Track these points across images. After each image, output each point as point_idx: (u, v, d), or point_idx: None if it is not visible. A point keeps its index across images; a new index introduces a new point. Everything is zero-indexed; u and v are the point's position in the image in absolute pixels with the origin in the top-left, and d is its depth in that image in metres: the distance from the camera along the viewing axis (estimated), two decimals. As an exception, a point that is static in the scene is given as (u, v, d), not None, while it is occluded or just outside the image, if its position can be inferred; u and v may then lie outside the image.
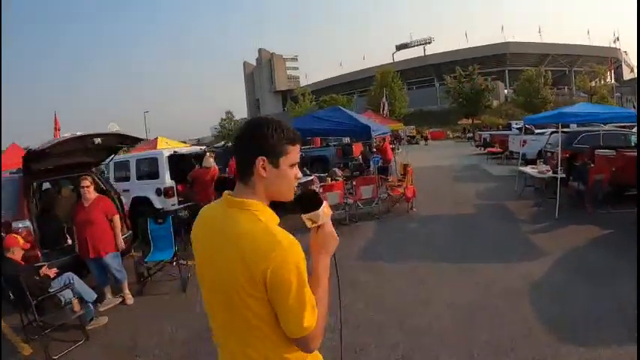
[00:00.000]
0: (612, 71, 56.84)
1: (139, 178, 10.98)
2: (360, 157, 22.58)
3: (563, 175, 10.29)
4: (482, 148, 29.02)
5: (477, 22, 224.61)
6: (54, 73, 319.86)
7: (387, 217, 10.96)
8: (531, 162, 15.29)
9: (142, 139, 9.51)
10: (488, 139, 27.89)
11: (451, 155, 29.59)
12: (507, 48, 78.96)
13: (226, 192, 1.62)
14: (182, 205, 10.39)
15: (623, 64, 74.25)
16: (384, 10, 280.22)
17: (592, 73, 58.26)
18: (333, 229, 1.67)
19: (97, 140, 6.92)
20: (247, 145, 1.57)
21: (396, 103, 54.11)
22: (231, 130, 68.06)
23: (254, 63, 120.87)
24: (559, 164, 10.17)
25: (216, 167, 9.89)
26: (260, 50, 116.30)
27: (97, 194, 6.57)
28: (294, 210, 1.59)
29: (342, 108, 12.75)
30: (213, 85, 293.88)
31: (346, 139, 22.52)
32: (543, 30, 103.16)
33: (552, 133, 16.13)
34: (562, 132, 15.14)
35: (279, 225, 1.55)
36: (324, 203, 1.63)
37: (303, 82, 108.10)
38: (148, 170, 10.98)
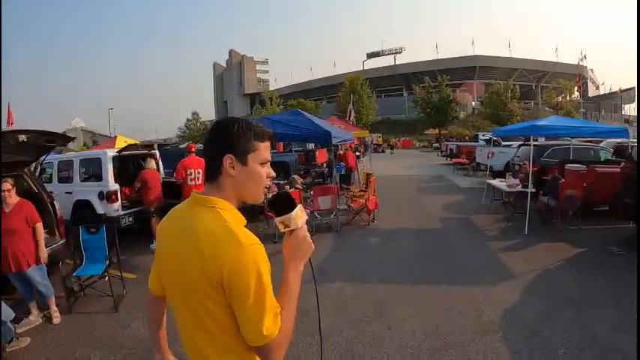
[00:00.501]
0: (580, 87, 57.78)
1: (83, 179, 10.06)
2: (324, 164, 21.89)
3: (534, 190, 9.70)
4: (449, 159, 28.65)
5: (448, 35, 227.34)
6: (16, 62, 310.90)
7: (347, 230, 10.13)
8: (499, 174, 14.92)
9: (72, 138, 8.52)
10: (454, 150, 27.45)
11: (417, 165, 29.14)
12: (477, 61, 79.78)
13: (194, 191, 1.56)
14: (127, 211, 9.60)
15: (588, 81, 75.96)
16: (356, 17, 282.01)
17: (559, 88, 59.16)
18: (308, 234, 1.59)
19: (22, 138, 6.07)
20: (215, 143, 1.53)
21: (363, 110, 53.86)
22: (197, 132, 66.52)
23: (224, 64, 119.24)
24: (530, 178, 9.56)
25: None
26: (231, 51, 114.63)
27: (18, 198, 5.62)
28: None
29: (302, 112, 11.91)
30: (182, 86, 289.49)
31: (310, 145, 21.79)
32: (513, 45, 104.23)
33: (521, 145, 15.71)
34: (529, 145, 14.82)
35: (246, 227, 1.48)
36: (298, 206, 1.56)
37: (272, 86, 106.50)
38: (91, 171, 10.13)
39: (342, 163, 17.89)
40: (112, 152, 9.82)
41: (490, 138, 21.13)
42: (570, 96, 59.11)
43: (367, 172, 13.13)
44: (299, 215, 1.55)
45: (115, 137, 28.97)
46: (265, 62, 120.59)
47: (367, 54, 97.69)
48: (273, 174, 1.63)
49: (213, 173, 1.52)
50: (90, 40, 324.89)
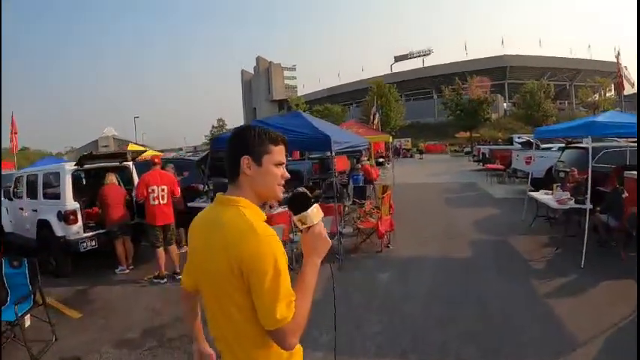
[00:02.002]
0: (621, 84, 54.11)
1: (45, 196, 8.67)
2: (344, 172, 19.80)
3: (591, 206, 7.47)
4: (481, 164, 26.32)
5: (476, 34, 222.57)
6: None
7: (351, 260, 8.00)
8: (538, 183, 12.69)
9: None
10: (487, 154, 24.96)
11: (446, 171, 26.76)
12: (507, 61, 76.55)
13: (219, 193, 1.68)
14: (90, 234, 8.09)
15: (624, 79, 71.89)
16: (383, 20, 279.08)
17: (595, 86, 55.60)
18: (324, 231, 1.66)
19: None
20: (234, 147, 1.66)
21: (391, 114, 51.77)
22: (223, 139, 65.05)
23: (252, 71, 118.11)
24: (588, 191, 7.33)
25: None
26: (258, 58, 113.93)
27: None
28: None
29: (303, 114, 9.93)
30: (211, 93, 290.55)
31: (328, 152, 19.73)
32: (544, 43, 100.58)
33: (565, 148, 13.41)
34: (579, 148, 12.51)
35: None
36: (315, 205, 1.63)
37: (300, 92, 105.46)
38: (52, 188, 8.82)
39: (360, 174, 15.82)
40: (71, 166, 8.35)
41: (527, 140, 18.75)
42: (606, 94, 55.48)
43: (383, 184, 10.95)
44: (315, 213, 1.61)
45: (126, 146, 27.68)
46: (293, 69, 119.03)
47: (395, 57, 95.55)
48: (288, 175, 1.72)
49: (232, 174, 1.65)
50: (112, 48, 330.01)
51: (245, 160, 1.60)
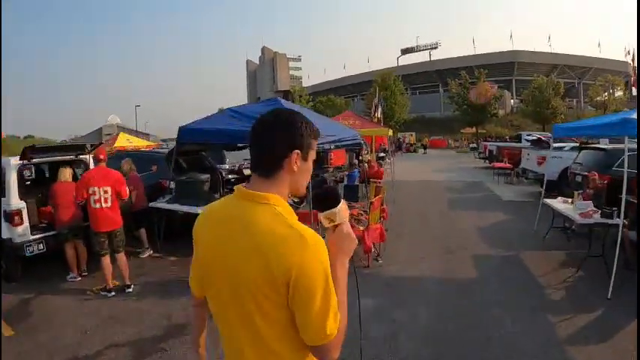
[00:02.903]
0: (634, 82, 52.28)
1: None
2: (343, 167, 18.47)
3: (624, 221, 6.12)
4: (487, 161, 24.99)
5: (485, 28, 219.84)
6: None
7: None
8: (551, 186, 11.51)
9: None
10: (494, 152, 23.53)
11: (451, 168, 25.43)
12: (516, 56, 74.67)
13: (239, 185, 1.49)
14: (38, 235, 7.08)
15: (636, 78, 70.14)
16: (391, 12, 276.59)
17: (606, 84, 53.77)
18: (351, 229, 1.53)
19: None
20: (281, 136, 1.43)
21: (396, 107, 50.31)
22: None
23: (257, 61, 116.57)
24: (621, 208, 5.98)
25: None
26: (263, 48, 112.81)
27: None
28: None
29: (283, 101, 8.60)
30: (216, 83, 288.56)
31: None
32: (553, 39, 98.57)
33: (582, 148, 12.06)
34: (598, 149, 11.21)
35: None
36: (342, 201, 1.52)
37: (305, 83, 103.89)
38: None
39: (356, 170, 14.50)
40: (16, 160, 7.19)
41: (538, 138, 17.34)
42: (616, 93, 53.65)
43: (376, 184, 9.59)
44: (343, 210, 1.51)
45: (117, 135, 26.27)
46: (298, 59, 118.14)
47: (402, 50, 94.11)
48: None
49: (271, 166, 1.43)
50: (114, 38, 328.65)
51: (295, 155, 1.41)
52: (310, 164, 1.51)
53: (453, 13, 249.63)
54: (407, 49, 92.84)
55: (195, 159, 11.21)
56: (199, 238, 1.57)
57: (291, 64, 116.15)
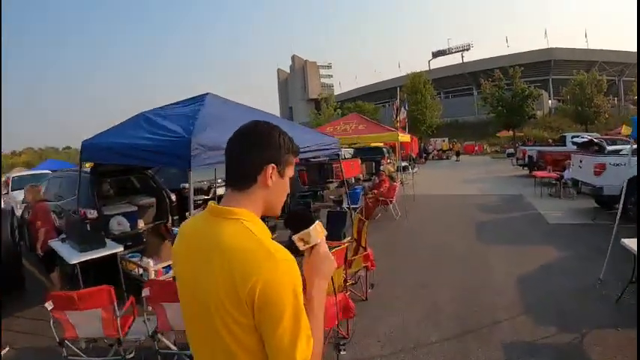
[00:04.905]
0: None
1: None
2: (361, 178, 15.46)
3: None
4: (525, 168, 21.60)
5: (518, 26, 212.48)
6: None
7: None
8: (608, 201, 9.75)
9: None
10: (535, 158, 19.96)
11: (484, 177, 21.96)
12: (553, 54, 69.67)
13: (211, 202, 1.43)
14: None
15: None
16: (421, 15, 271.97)
17: (653, 80, 48.93)
18: (328, 250, 1.42)
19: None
20: (256, 149, 1.36)
21: (427, 111, 46.90)
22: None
23: (288, 70, 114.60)
24: None
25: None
26: (293, 57, 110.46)
27: None
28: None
29: (210, 95, 5.69)
30: (247, 92, 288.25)
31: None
32: (590, 34, 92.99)
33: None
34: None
35: (274, 239, 1.30)
36: (317, 221, 1.40)
37: (337, 91, 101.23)
38: None
39: (358, 187, 11.49)
40: None
41: (590, 140, 13.84)
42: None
43: (360, 216, 6.52)
44: (318, 230, 1.39)
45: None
46: (329, 67, 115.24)
47: (433, 52, 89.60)
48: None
49: (244, 180, 1.37)
50: (150, 47, 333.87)
51: (271, 169, 1.35)
52: (287, 182, 1.45)
53: (485, 13, 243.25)
54: (438, 51, 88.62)
55: (140, 179, 9.00)
56: (174, 257, 1.48)
57: (322, 71, 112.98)
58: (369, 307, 5.49)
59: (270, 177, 1.35)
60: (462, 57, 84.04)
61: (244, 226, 1.27)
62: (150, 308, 4.17)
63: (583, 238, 8.45)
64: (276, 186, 1.38)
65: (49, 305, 3.90)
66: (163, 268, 6.26)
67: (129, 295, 4.59)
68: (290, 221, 1.41)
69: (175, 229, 7.39)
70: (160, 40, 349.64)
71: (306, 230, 1.35)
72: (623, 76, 67.54)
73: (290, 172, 1.43)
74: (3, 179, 15.25)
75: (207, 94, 5.74)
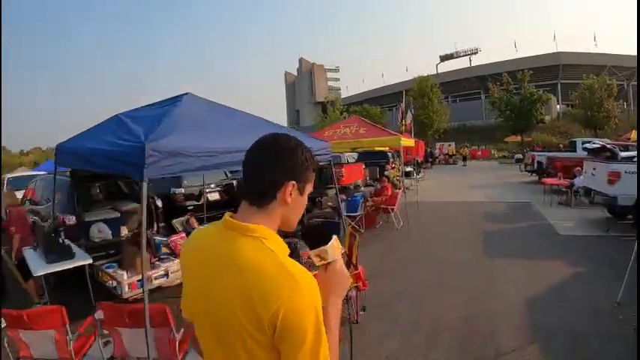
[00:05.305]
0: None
1: None
2: (361, 184, 14.83)
3: None
4: (534, 174, 20.95)
5: (526, 30, 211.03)
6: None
7: None
8: (622, 212, 9.33)
9: None
10: (545, 164, 19.24)
11: (492, 183, 21.31)
12: (561, 58, 68.74)
13: (227, 213, 1.36)
14: None
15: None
16: (428, 19, 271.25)
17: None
18: (344, 267, 1.40)
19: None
20: (277, 164, 1.30)
21: (434, 116, 46.26)
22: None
23: (295, 73, 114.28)
24: None
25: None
26: (301, 60, 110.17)
27: None
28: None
29: (187, 95, 5.16)
30: (253, 95, 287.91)
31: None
32: (598, 37, 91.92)
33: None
34: None
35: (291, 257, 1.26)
36: (334, 237, 1.37)
37: (344, 94, 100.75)
38: None
39: (358, 194, 10.90)
40: None
41: (602, 146, 13.18)
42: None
43: (351, 229, 5.97)
44: (335, 246, 1.36)
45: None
46: (336, 70, 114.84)
47: (440, 56, 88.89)
48: None
49: (263, 195, 1.31)
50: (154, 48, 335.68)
51: (291, 187, 1.29)
52: (305, 199, 1.39)
53: (493, 17, 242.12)
54: (446, 55, 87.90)
55: (127, 183, 8.71)
56: (185, 267, 1.45)
57: (330, 74, 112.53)
58: (359, 330, 4.92)
59: (290, 194, 1.30)
60: (470, 61, 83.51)
61: (264, 246, 1.23)
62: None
63: (596, 252, 7.84)
64: (295, 203, 1.34)
65: (2, 323, 3.72)
66: (138, 281, 5.80)
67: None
68: (307, 236, 1.40)
69: (158, 237, 6.91)
70: (159, 40, 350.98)
71: (323, 247, 1.34)
72: (632, 80, 66.79)
73: (310, 188, 1.38)
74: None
75: (186, 93, 5.23)
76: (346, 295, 4.51)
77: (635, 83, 63.22)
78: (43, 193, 8.81)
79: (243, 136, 4.01)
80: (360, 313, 5.29)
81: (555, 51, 71.21)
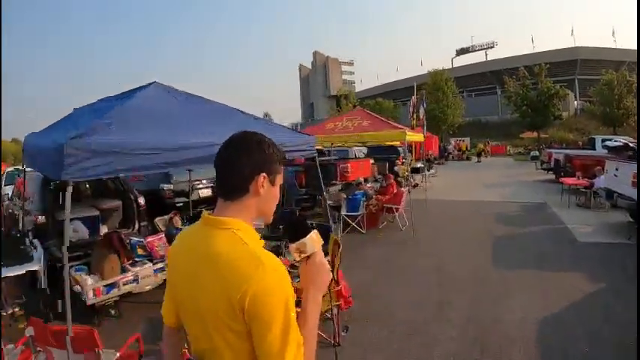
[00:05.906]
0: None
1: None
2: (368, 180, 14.13)
3: None
4: (550, 172, 20.00)
5: (544, 24, 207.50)
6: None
7: None
8: None
9: None
10: (561, 162, 18.21)
11: (506, 181, 20.39)
12: (579, 53, 66.96)
13: (206, 211, 1.40)
14: None
15: None
16: (443, 12, 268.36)
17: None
18: (325, 260, 1.40)
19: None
20: (247, 159, 1.34)
21: (448, 110, 45.32)
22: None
23: (310, 66, 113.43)
24: None
25: None
26: (315, 53, 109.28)
27: None
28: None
29: (153, 86, 4.52)
30: (269, 88, 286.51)
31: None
32: (617, 32, 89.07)
33: None
34: None
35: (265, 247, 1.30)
36: (313, 231, 1.38)
37: (359, 88, 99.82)
38: None
39: (359, 192, 10.19)
40: None
41: (625, 144, 12.28)
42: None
43: (335, 236, 5.17)
44: (314, 239, 1.37)
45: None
46: (351, 63, 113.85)
47: (456, 50, 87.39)
48: None
49: (236, 190, 1.35)
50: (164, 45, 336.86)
51: (262, 178, 1.34)
52: (277, 190, 1.42)
53: (510, 11, 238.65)
54: (462, 49, 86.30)
55: (112, 180, 8.07)
56: (171, 266, 1.47)
57: (344, 68, 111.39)
58: (341, 355, 4.20)
59: (262, 186, 1.33)
60: (486, 55, 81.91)
61: (236, 236, 1.25)
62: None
63: (618, 263, 7.03)
64: (268, 194, 1.37)
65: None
66: (105, 286, 5.28)
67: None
68: (286, 230, 1.49)
69: (134, 238, 6.31)
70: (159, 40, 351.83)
71: (302, 240, 1.33)
72: (650, 75, 64.79)
73: (280, 179, 1.41)
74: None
75: (152, 82, 4.58)
76: (323, 315, 3.88)
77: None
78: (32, 189, 8.33)
79: (210, 130, 3.37)
80: (342, 334, 4.59)
81: (573, 46, 69.49)
